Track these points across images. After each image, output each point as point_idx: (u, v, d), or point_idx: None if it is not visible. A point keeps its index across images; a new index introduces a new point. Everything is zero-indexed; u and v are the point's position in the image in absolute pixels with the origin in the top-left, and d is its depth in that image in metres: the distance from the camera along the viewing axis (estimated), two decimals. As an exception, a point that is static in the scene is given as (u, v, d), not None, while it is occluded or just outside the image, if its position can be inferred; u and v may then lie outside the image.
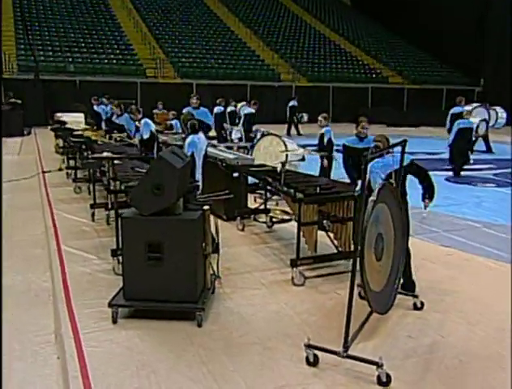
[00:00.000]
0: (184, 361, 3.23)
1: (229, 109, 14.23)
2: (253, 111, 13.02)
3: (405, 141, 3.85)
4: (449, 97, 29.01)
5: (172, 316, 3.78)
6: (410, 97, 28.82)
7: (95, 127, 11.56)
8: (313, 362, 3.19)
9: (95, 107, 12.56)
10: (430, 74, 31.14)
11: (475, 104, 13.29)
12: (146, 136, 7.27)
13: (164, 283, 3.73)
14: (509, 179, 10.41)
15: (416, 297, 4.08)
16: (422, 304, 4.06)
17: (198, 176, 5.07)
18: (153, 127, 7.50)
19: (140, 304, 3.80)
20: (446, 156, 14.11)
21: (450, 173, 11.08)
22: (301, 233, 4.69)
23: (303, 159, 5.07)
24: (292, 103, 20.09)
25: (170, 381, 3.02)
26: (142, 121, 7.33)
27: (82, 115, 12.73)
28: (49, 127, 13.31)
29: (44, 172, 10.14)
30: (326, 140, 7.72)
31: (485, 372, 3.20)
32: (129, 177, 4.90)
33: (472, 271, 5.01)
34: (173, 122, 9.94)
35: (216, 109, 13.97)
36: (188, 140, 5.11)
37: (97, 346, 3.42)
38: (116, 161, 5.06)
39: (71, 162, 9.65)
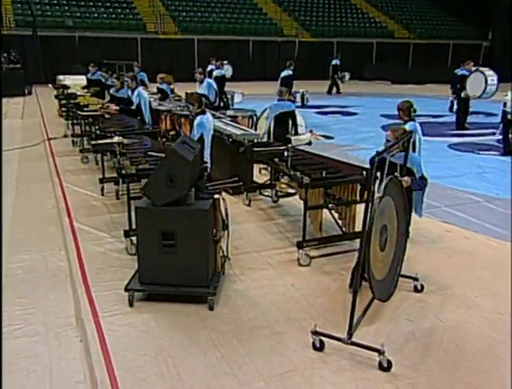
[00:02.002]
0: (198, 346, 3.46)
1: (215, 72, 14.09)
2: (291, 72, 12.85)
3: (411, 132, 3.94)
4: (455, 53, 28.53)
5: (185, 299, 3.99)
6: (415, 53, 28.29)
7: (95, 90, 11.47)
8: (319, 347, 3.42)
9: (89, 75, 12.35)
10: (437, 28, 30.42)
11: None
12: (133, 106, 7.28)
13: (177, 268, 3.92)
14: (512, 146, 10.44)
15: (416, 279, 4.27)
16: (422, 287, 4.26)
17: (207, 156, 5.16)
18: (146, 99, 7.46)
19: (155, 288, 4.00)
20: (450, 119, 14.11)
21: (454, 139, 11.12)
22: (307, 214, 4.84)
23: (310, 143, 5.15)
24: (334, 61, 20.04)
25: (186, 365, 3.25)
26: (136, 92, 7.30)
27: (83, 78, 12.63)
28: (50, 85, 13.25)
29: (49, 139, 10.21)
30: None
31: (480, 356, 3.42)
32: (139, 160, 4.99)
33: (472, 250, 5.19)
34: (164, 87, 9.82)
35: (216, 72, 13.88)
36: (197, 121, 5.17)
37: (116, 330, 3.64)
38: (126, 141, 5.14)
39: (76, 128, 9.67)
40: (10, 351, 3.40)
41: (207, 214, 3.85)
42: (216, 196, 4.03)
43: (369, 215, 3.13)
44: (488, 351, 3.48)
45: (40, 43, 20.91)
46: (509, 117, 9.61)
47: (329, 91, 20.34)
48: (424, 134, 12.43)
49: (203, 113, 5.26)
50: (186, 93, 10.69)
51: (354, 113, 14.90)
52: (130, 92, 7.86)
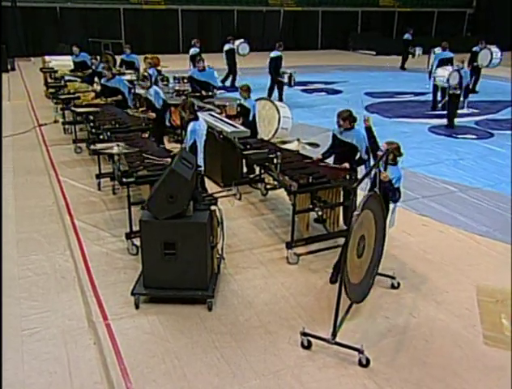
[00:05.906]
0: (200, 347, 3.90)
1: (227, 46, 14.33)
2: (280, 54, 12.95)
3: (387, 151, 4.31)
4: (439, 21, 28.60)
5: (185, 300, 4.41)
6: (400, 22, 28.26)
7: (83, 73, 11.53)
8: (307, 346, 3.89)
9: (74, 57, 12.34)
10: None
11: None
12: (159, 106, 7.50)
13: (178, 274, 4.33)
14: (490, 129, 10.89)
15: (393, 278, 4.75)
16: (399, 284, 4.75)
17: (200, 161, 5.48)
18: (163, 96, 7.74)
19: (158, 292, 4.41)
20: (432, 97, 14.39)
21: (434, 121, 11.47)
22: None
23: (297, 151, 5.51)
24: (406, 36, 19.50)
25: (191, 366, 3.70)
26: (152, 91, 7.52)
27: (70, 59, 12.62)
28: (33, 59, 13.22)
29: (40, 125, 10.34)
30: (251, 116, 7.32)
31: (446, 351, 3.93)
32: (137, 166, 5.30)
33: (445, 244, 5.66)
34: (150, 71, 9.93)
35: (226, 47, 14.30)
36: (190, 128, 5.47)
37: (126, 333, 4.05)
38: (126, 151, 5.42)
39: (67, 113, 9.75)
40: (33, 353, 3.82)
41: (205, 226, 4.23)
42: (213, 208, 4.40)
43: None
44: (453, 346, 3.99)
45: (20, 14, 20.49)
46: (450, 91, 10.85)
47: (402, 67, 20.09)
48: (405, 116, 12.85)
49: (196, 118, 5.55)
50: (174, 77, 10.83)
51: (339, 91, 15.13)
52: (127, 85, 8.08)
